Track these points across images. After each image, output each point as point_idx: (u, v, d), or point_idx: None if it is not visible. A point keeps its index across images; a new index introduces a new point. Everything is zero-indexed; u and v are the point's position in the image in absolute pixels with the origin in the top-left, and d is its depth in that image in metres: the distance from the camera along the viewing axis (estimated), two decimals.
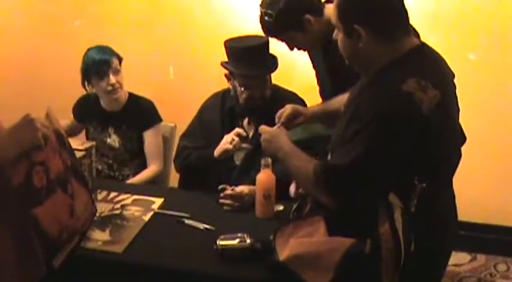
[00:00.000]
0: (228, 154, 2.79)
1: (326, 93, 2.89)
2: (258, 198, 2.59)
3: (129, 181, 3.24)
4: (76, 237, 2.06)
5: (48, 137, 1.87)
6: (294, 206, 2.25)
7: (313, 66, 3.03)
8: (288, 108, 2.52)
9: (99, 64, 3.18)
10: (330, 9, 2.58)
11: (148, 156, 3.32)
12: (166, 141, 3.44)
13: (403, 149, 1.93)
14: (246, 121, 2.96)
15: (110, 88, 3.20)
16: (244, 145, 2.80)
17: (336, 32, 2.07)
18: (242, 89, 2.84)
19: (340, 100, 2.39)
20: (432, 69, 2.02)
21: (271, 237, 2.15)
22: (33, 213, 1.86)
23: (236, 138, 2.75)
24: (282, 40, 2.81)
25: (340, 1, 2.01)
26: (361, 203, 1.98)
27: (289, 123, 2.50)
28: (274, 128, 2.40)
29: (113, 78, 3.19)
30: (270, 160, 2.58)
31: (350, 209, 1.99)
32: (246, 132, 2.88)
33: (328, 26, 2.56)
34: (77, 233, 2.06)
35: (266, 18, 2.67)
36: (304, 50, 2.87)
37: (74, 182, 2.05)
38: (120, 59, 3.25)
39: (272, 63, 2.90)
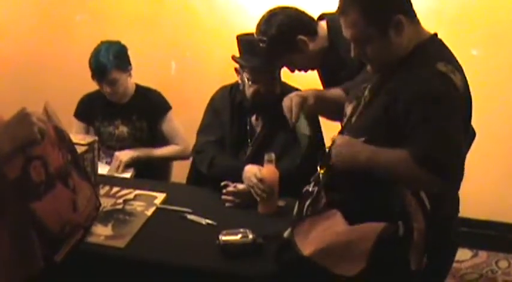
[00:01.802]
0: None
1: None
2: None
3: (149, 149, 3.31)
4: (79, 232, 2.05)
5: (44, 132, 1.85)
6: (308, 202, 2.19)
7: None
8: (293, 98, 2.37)
9: (95, 70, 3.21)
10: (323, 27, 2.69)
11: (170, 140, 3.36)
12: None
13: (459, 120, 2.00)
14: (254, 117, 2.95)
15: (106, 92, 3.25)
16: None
17: (354, 49, 2.05)
18: (250, 83, 2.84)
19: (335, 91, 2.42)
20: (451, 55, 2.06)
21: (287, 234, 2.12)
22: (31, 208, 1.85)
23: (258, 191, 2.62)
24: (282, 66, 2.83)
25: (365, 4, 1.98)
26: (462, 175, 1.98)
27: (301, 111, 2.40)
28: (293, 121, 2.33)
29: (107, 88, 3.22)
30: (273, 155, 2.59)
31: (454, 184, 2.00)
32: (253, 127, 2.88)
33: (323, 43, 2.67)
34: (80, 227, 2.05)
35: (261, 44, 2.68)
36: (305, 71, 2.86)
37: (76, 176, 2.03)
38: (124, 67, 3.26)
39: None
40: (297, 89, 3.00)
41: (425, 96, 1.95)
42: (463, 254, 3.83)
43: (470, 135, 2.23)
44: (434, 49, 2.04)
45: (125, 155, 3.25)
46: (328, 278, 1.96)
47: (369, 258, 1.91)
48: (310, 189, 2.17)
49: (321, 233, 2.02)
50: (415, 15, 2.05)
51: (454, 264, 3.67)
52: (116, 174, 3.17)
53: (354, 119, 2.14)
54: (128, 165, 3.24)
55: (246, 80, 2.85)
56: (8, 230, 1.86)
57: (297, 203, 2.21)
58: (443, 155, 1.94)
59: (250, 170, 2.66)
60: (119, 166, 3.22)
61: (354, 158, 2.05)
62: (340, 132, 2.18)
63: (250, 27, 3.14)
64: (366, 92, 2.12)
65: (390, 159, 2.00)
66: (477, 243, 3.88)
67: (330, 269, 1.95)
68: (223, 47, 2.93)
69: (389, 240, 1.93)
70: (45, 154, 1.91)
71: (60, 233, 1.95)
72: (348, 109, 2.18)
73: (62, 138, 2.02)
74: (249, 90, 2.86)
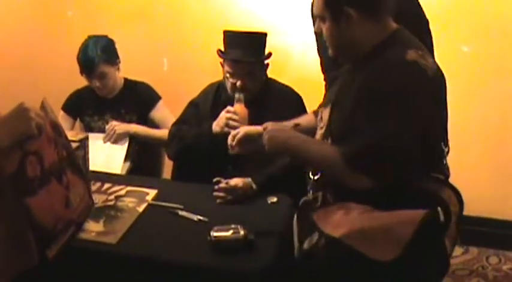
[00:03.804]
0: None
1: None
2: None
3: (145, 128, 3.32)
4: (71, 229, 2.05)
5: (42, 127, 1.86)
6: (307, 198, 2.18)
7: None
8: (239, 133, 2.46)
9: (83, 65, 3.22)
10: None
11: (163, 127, 3.34)
12: None
13: (423, 115, 1.94)
14: None
15: (95, 86, 3.24)
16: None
17: (317, 24, 2.08)
18: (228, 75, 2.85)
19: (307, 117, 2.43)
20: (419, 43, 2.06)
21: (298, 227, 2.13)
22: (26, 203, 1.85)
23: (232, 122, 2.72)
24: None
25: None
26: (400, 176, 1.93)
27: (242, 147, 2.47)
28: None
29: (96, 82, 3.23)
30: (242, 96, 2.74)
31: (389, 184, 1.93)
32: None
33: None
34: (73, 224, 2.05)
35: None
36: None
37: (70, 173, 2.04)
38: (112, 61, 3.26)
39: (262, 55, 2.91)
40: (286, 86, 3.02)
41: (388, 89, 1.93)
42: (454, 250, 3.84)
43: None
44: (403, 40, 2.04)
45: (120, 128, 3.26)
46: (358, 264, 1.92)
47: (408, 244, 1.87)
48: (311, 198, 2.15)
49: (358, 215, 1.96)
50: (381, 13, 2.03)
51: None
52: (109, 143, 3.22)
53: (332, 120, 2.12)
54: (120, 137, 3.27)
55: (227, 74, 2.86)
56: (5, 223, 1.86)
57: (297, 215, 2.18)
58: (372, 157, 1.92)
59: (221, 114, 2.76)
60: (111, 135, 3.25)
61: (284, 145, 2.15)
62: (322, 135, 2.15)
63: (243, 22, 3.16)
64: (338, 91, 2.13)
65: (319, 151, 2.06)
66: (468, 240, 3.90)
67: (364, 252, 1.89)
68: (216, 43, 2.93)
69: (430, 226, 1.89)
70: (41, 150, 1.91)
71: (53, 228, 1.96)
72: (325, 113, 2.16)
73: (59, 134, 2.02)
74: (228, 85, 2.88)
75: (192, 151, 2.91)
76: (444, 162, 2.13)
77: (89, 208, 2.16)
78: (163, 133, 3.24)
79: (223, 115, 2.76)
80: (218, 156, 2.89)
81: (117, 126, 3.26)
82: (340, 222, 1.96)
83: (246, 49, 2.83)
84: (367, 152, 1.93)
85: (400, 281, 1.95)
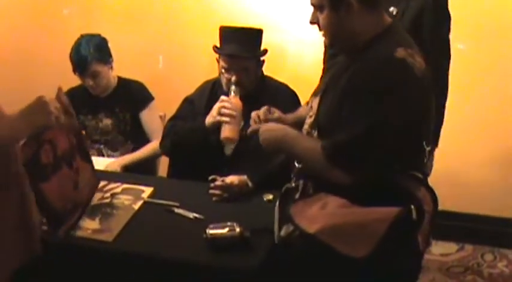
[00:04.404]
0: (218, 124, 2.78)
1: None
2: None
3: (133, 154, 3.30)
4: (79, 210, 2.21)
5: (59, 119, 1.95)
6: (297, 196, 2.18)
7: None
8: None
9: (76, 64, 3.22)
10: None
11: (149, 133, 3.36)
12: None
13: (407, 113, 1.95)
14: None
15: (88, 85, 3.25)
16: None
17: (313, 14, 2.10)
18: (223, 70, 2.86)
19: (304, 109, 2.43)
20: (410, 41, 2.08)
21: (279, 214, 2.14)
22: (40, 188, 2.00)
23: (224, 110, 2.73)
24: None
25: None
26: (379, 173, 1.95)
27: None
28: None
29: (89, 81, 3.23)
30: (238, 89, 2.76)
31: (368, 181, 1.95)
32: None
33: None
34: (80, 206, 2.22)
35: None
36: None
37: (79, 158, 2.20)
38: (105, 60, 3.25)
39: (258, 51, 2.91)
40: (282, 83, 3.02)
41: (374, 86, 1.95)
42: (449, 248, 3.86)
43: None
44: (395, 36, 2.06)
45: (113, 166, 3.24)
46: (330, 259, 1.94)
47: (380, 241, 1.90)
48: (293, 185, 2.18)
49: (331, 211, 1.99)
50: (379, 6, 2.06)
51: (440, 258, 3.72)
52: None
53: (320, 109, 2.14)
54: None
55: (222, 70, 2.86)
56: (13, 212, 1.91)
57: (279, 201, 2.20)
58: (352, 153, 1.95)
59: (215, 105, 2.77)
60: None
61: (278, 144, 2.18)
62: (311, 124, 2.17)
63: (238, 20, 3.16)
64: (329, 81, 2.15)
65: (305, 147, 2.09)
66: (463, 237, 3.91)
67: (337, 248, 1.92)
68: (211, 41, 2.93)
69: (403, 224, 1.92)
70: (55, 138, 2.08)
71: (62, 210, 2.14)
72: (314, 102, 2.19)
73: (71, 123, 2.16)
74: (223, 80, 2.88)
75: (185, 145, 2.91)
76: (425, 160, 2.14)
77: (94, 188, 2.34)
78: (148, 151, 3.30)
79: (216, 105, 2.77)
80: (214, 153, 2.90)
81: (110, 167, 3.23)
82: (316, 216, 1.99)
83: (241, 44, 2.83)
84: (347, 147, 1.96)
85: (372, 276, 1.96)
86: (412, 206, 1.94)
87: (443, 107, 2.81)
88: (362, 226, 1.94)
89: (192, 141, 2.87)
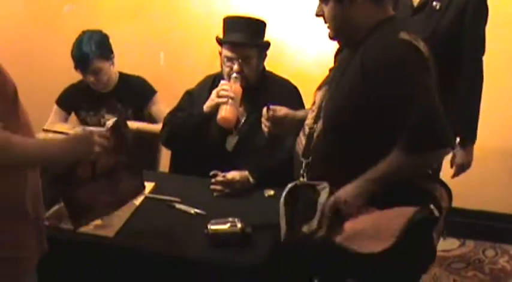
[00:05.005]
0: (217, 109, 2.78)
1: None
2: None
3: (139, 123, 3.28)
4: (113, 207, 2.24)
5: (104, 149, 2.01)
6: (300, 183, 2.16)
7: None
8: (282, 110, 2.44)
9: (78, 60, 3.21)
10: None
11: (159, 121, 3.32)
12: None
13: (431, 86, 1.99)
14: None
15: (90, 81, 3.24)
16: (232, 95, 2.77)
17: (318, 7, 2.11)
18: (225, 60, 2.86)
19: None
20: (412, 28, 2.10)
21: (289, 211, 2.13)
22: (76, 194, 2.06)
23: (222, 92, 2.75)
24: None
25: None
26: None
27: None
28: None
29: (90, 77, 3.22)
30: (239, 76, 2.78)
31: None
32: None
33: None
34: (113, 204, 2.24)
35: None
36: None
37: (124, 174, 2.21)
38: (107, 56, 3.25)
39: (261, 40, 2.91)
40: (283, 79, 3.02)
41: (389, 63, 1.97)
42: (450, 243, 3.86)
43: None
44: (396, 23, 2.09)
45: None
46: (348, 256, 1.98)
47: (399, 237, 1.92)
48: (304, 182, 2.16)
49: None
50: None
51: (442, 253, 3.71)
52: None
53: (325, 101, 2.15)
54: None
55: (224, 59, 2.86)
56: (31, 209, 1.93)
57: (284, 199, 2.16)
58: (428, 132, 1.96)
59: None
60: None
61: (364, 198, 2.03)
62: (314, 118, 2.18)
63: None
64: (333, 74, 2.16)
65: (387, 170, 2.01)
66: (464, 233, 3.91)
67: (357, 250, 1.96)
68: (212, 38, 2.93)
69: (422, 222, 1.95)
70: (96, 159, 2.07)
71: (88, 203, 2.15)
72: (318, 96, 2.19)
73: (124, 144, 2.18)
74: (224, 71, 2.88)
75: (182, 132, 2.90)
76: None
77: (136, 194, 2.35)
78: (156, 126, 3.24)
79: (215, 90, 2.79)
80: (215, 149, 2.90)
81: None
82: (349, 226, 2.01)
83: (245, 33, 2.84)
84: (426, 123, 1.95)
85: (389, 271, 1.98)
86: (432, 205, 1.97)
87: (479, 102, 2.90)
88: (379, 225, 1.96)
89: (189, 127, 2.87)
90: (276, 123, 2.37)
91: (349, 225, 2.01)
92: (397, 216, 1.95)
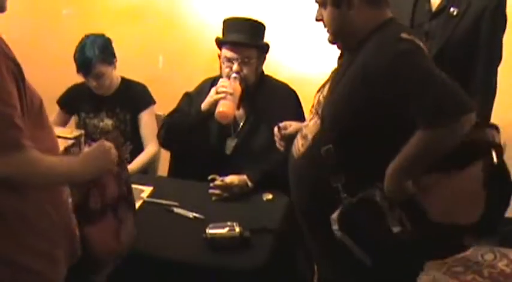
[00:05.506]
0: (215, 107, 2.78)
1: None
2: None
3: (129, 166, 3.25)
4: (117, 260, 2.14)
5: (115, 168, 2.01)
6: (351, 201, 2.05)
7: None
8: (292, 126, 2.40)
9: (80, 65, 3.21)
10: None
11: (144, 138, 3.33)
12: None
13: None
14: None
15: (92, 85, 3.25)
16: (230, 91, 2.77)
17: (318, 11, 2.12)
18: (224, 60, 2.86)
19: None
20: (411, 30, 2.13)
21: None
22: (85, 231, 1.97)
23: (221, 88, 2.76)
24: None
25: None
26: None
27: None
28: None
29: (92, 81, 3.22)
30: (238, 76, 2.79)
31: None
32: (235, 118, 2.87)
33: None
34: (118, 256, 2.14)
35: None
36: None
37: (125, 209, 2.13)
38: (109, 60, 3.25)
39: (260, 41, 2.92)
40: (282, 83, 3.02)
41: (395, 57, 1.95)
42: None
43: None
44: (395, 25, 2.09)
45: None
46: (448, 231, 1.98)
47: (486, 200, 1.94)
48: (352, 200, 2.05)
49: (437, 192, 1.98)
50: (382, 2, 2.09)
51: None
52: None
53: (325, 104, 2.14)
54: None
55: (224, 60, 2.87)
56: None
57: (339, 223, 2.02)
58: (447, 98, 1.90)
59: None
60: None
61: (400, 182, 1.98)
62: (312, 119, 2.17)
63: None
64: (334, 77, 2.16)
65: (410, 150, 1.94)
66: None
67: (456, 222, 1.96)
68: (211, 42, 2.93)
69: (495, 169, 1.96)
70: (106, 183, 2.03)
71: (101, 256, 2.06)
72: (318, 99, 2.19)
73: (122, 170, 2.12)
74: (224, 73, 2.88)
75: (180, 131, 2.90)
76: None
77: (133, 240, 2.21)
78: (145, 158, 3.26)
79: (214, 87, 2.80)
80: (214, 153, 2.90)
81: None
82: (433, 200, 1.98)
83: (245, 33, 2.85)
84: (445, 100, 1.89)
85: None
86: (493, 152, 1.97)
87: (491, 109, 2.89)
88: (463, 193, 1.97)
89: (186, 126, 2.86)
90: (289, 140, 2.32)
91: (435, 204, 1.97)
92: (472, 177, 1.96)
